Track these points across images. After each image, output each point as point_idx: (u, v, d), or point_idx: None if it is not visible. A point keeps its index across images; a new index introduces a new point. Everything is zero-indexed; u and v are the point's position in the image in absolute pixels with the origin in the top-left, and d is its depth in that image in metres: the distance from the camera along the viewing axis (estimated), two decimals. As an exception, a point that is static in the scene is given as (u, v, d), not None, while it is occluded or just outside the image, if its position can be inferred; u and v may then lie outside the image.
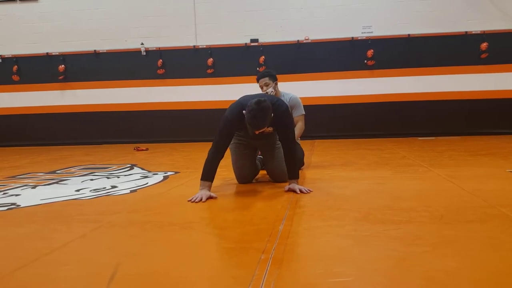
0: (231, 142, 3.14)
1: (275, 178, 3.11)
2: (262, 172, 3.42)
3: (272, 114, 2.57)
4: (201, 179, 2.66)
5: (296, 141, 3.27)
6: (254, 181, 3.22)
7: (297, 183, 2.77)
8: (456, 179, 2.99)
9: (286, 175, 2.87)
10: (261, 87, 3.65)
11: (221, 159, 2.73)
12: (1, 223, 2.24)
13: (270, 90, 3.57)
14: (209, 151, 2.72)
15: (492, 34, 6.80)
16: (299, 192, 2.66)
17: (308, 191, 2.69)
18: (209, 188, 2.64)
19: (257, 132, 2.61)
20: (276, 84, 3.63)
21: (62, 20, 7.65)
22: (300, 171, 3.12)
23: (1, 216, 2.37)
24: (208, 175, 2.66)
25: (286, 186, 2.77)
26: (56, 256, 1.64)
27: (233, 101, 3.41)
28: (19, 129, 7.85)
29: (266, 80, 3.61)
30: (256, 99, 2.51)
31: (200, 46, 7.42)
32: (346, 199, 2.48)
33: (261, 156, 3.34)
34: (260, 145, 3.14)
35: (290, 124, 2.82)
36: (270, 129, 2.83)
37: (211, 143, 2.74)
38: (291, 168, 2.79)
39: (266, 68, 6.97)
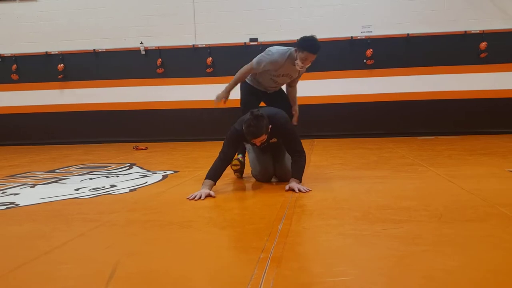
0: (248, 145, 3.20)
1: (283, 177, 3.07)
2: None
3: (270, 126, 2.66)
4: (205, 178, 2.70)
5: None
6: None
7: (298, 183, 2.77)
8: (455, 178, 2.99)
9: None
10: (304, 60, 3.15)
11: (227, 165, 2.81)
12: (0, 222, 2.24)
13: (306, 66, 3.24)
14: (216, 158, 2.78)
15: (492, 34, 6.79)
16: (298, 191, 2.67)
17: (307, 190, 2.69)
18: (211, 188, 2.66)
19: (258, 144, 2.70)
20: None
21: (61, 19, 7.63)
22: None
23: (1, 215, 2.37)
24: (212, 175, 2.72)
25: (286, 185, 2.77)
26: (56, 254, 1.64)
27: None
28: (18, 128, 7.83)
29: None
30: (250, 111, 2.63)
31: (199, 45, 7.40)
32: (346, 198, 2.48)
33: None
34: (272, 146, 3.14)
35: (291, 134, 2.86)
36: (274, 139, 2.91)
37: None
38: (295, 169, 2.83)
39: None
